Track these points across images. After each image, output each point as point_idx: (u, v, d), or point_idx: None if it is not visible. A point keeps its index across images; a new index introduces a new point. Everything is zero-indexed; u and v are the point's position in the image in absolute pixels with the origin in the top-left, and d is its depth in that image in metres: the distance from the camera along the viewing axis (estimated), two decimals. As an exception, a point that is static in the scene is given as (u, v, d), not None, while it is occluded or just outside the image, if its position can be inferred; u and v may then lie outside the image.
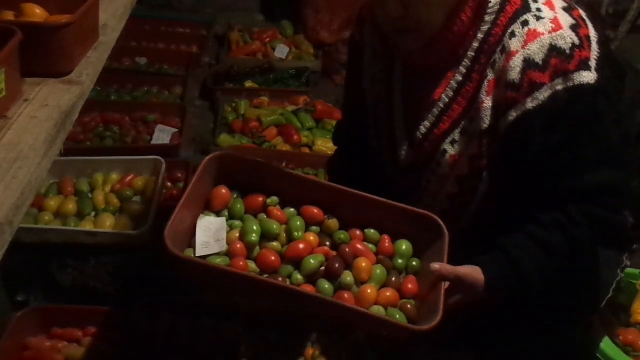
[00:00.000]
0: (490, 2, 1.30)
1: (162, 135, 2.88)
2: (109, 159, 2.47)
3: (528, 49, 1.24)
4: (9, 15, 1.14)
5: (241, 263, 1.27)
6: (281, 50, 3.75)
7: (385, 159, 1.54)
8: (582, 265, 1.41)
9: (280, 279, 1.26)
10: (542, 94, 1.23)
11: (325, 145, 2.92)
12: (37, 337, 1.90)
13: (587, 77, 1.23)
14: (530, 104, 1.25)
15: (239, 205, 1.36)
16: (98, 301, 2.02)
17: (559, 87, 1.23)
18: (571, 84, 1.23)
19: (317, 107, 3.19)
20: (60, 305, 1.98)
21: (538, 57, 1.23)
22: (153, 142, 2.85)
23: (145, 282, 2.06)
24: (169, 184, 2.56)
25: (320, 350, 1.84)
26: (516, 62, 1.25)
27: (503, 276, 1.31)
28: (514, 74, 1.25)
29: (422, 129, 1.42)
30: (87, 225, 2.14)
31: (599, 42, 1.27)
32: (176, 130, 2.92)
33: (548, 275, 1.33)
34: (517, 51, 1.25)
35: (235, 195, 1.38)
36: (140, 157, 2.49)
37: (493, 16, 1.30)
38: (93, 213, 2.22)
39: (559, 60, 1.23)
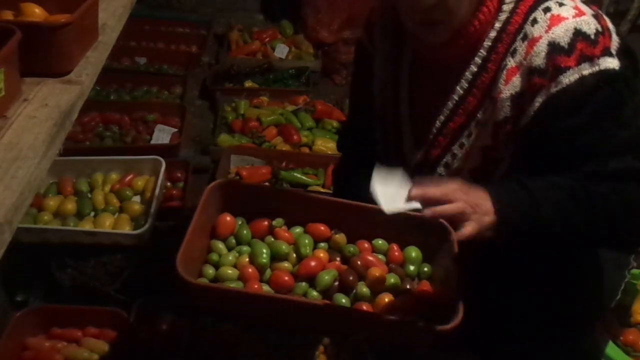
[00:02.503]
0: None
1: (162, 135, 2.89)
2: (109, 159, 2.47)
3: (552, 33, 1.22)
4: (9, 15, 1.14)
5: (256, 286, 1.25)
6: (281, 50, 3.75)
7: (392, 160, 1.53)
8: (599, 225, 1.28)
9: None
10: (568, 78, 1.21)
11: (325, 145, 2.92)
12: (36, 337, 1.90)
13: (612, 63, 1.22)
14: (554, 88, 1.22)
15: (245, 231, 1.36)
16: (98, 301, 2.02)
17: (586, 72, 1.21)
18: (597, 69, 1.21)
19: (317, 107, 3.19)
20: (60, 306, 1.97)
21: (563, 41, 1.21)
22: (153, 142, 2.85)
23: (145, 282, 2.06)
24: (168, 184, 2.56)
25: (320, 350, 1.84)
26: (541, 48, 1.23)
27: (516, 202, 1.21)
28: (539, 59, 1.23)
29: (437, 123, 1.40)
30: (86, 226, 2.14)
31: (618, 34, 1.26)
32: (176, 130, 2.92)
33: (565, 217, 1.23)
34: (540, 36, 1.23)
35: (240, 222, 1.38)
36: (140, 157, 2.49)
37: (512, 5, 1.29)
38: (93, 213, 2.22)
39: (584, 44, 1.21)
